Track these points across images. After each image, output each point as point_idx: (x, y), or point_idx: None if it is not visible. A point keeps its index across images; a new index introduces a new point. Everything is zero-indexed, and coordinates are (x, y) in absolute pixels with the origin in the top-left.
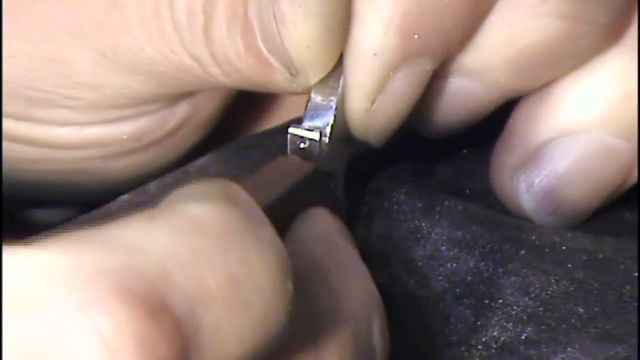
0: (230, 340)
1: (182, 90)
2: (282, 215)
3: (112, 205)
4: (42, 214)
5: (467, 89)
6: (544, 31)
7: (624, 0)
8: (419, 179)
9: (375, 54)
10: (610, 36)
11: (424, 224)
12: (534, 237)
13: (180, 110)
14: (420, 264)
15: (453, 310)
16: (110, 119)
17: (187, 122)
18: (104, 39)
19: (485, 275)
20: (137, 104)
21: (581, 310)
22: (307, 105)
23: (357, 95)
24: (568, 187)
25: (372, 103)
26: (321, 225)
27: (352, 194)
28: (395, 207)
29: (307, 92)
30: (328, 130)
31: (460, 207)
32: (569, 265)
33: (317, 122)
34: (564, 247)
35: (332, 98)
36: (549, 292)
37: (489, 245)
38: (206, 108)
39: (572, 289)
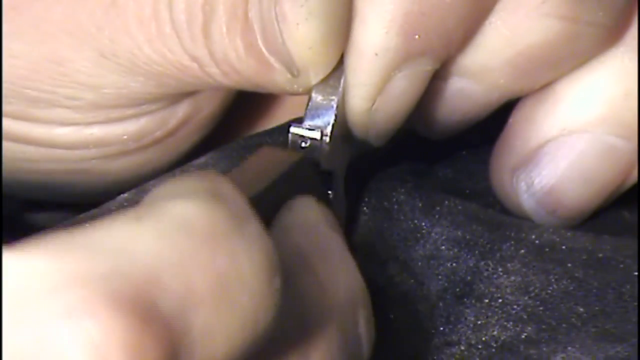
0: (220, 339)
1: (182, 91)
2: (269, 204)
3: (112, 205)
4: (43, 217)
5: (468, 90)
6: (544, 32)
7: (623, 1)
8: (419, 179)
9: (376, 54)
10: (610, 37)
11: (423, 224)
12: (533, 237)
13: (181, 111)
14: (420, 263)
15: (453, 310)
16: (111, 119)
17: (188, 122)
18: (102, 39)
19: (485, 274)
20: (137, 104)
21: (581, 309)
22: (308, 104)
23: (358, 95)
24: (568, 186)
25: (373, 103)
26: (306, 214)
27: (352, 193)
28: (395, 206)
29: (308, 92)
30: (329, 129)
31: (460, 207)
32: (569, 265)
33: (318, 122)
34: (563, 247)
35: (333, 97)
36: (549, 291)
37: (488, 245)
38: (206, 108)
39: (571, 288)
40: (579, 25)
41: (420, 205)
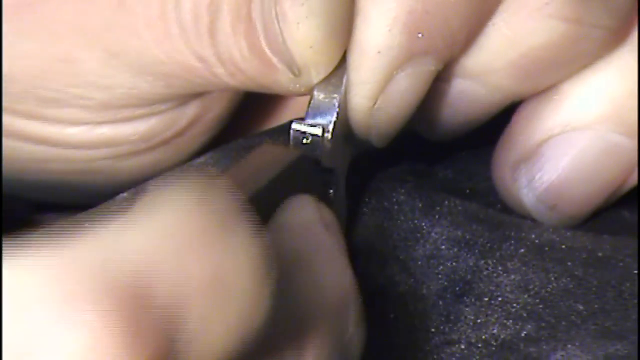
0: (213, 337)
1: (190, 92)
2: (268, 202)
3: (112, 204)
4: (52, 218)
5: (470, 92)
6: (547, 34)
7: (627, 3)
8: (419, 179)
9: (379, 52)
10: (614, 39)
11: (423, 224)
12: (533, 236)
13: (190, 111)
14: (420, 262)
15: (453, 309)
16: (121, 119)
17: (197, 122)
18: (111, 39)
19: (485, 273)
20: (147, 104)
21: (580, 307)
22: (309, 102)
23: (360, 94)
24: (569, 183)
25: (375, 102)
26: (302, 213)
27: (352, 193)
28: (395, 207)
29: (310, 92)
30: (331, 126)
31: (460, 207)
32: (569, 263)
33: (320, 120)
34: (563, 246)
35: (335, 96)
36: (549, 289)
37: (488, 244)
38: (215, 109)
39: (571, 286)
40: (582, 27)
41: (420, 205)
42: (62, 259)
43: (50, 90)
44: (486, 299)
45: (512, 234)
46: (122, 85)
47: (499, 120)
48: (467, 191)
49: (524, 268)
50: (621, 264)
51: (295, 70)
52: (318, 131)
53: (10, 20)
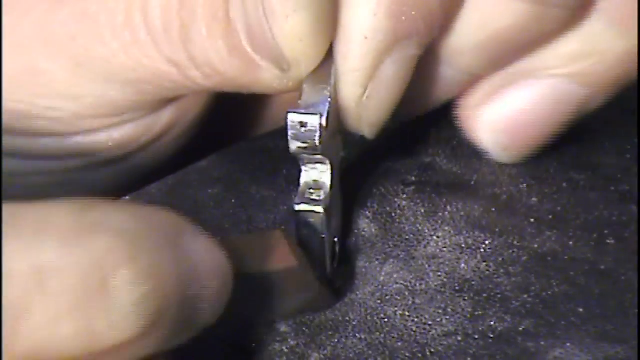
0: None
1: (163, 97)
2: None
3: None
4: None
5: (440, 74)
6: (513, 16)
7: None
8: (423, 174)
9: (366, 38)
10: (573, 17)
11: (425, 229)
12: (536, 246)
13: (165, 116)
14: (421, 262)
15: (451, 302)
16: (94, 128)
17: (173, 126)
18: (77, 49)
19: (486, 274)
20: (120, 112)
21: (581, 310)
22: (300, 95)
23: (350, 82)
24: (524, 125)
25: (365, 90)
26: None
27: (354, 195)
28: (398, 211)
29: (297, 88)
30: (326, 113)
31: (462, 213)
32: (571, 273)
33: (313, 110)
34: (565, 257)
35: (325, 86)
36: (549, 292)
37: (490, 250)
38: (191, 112)
39: (572, 292)
40: (546, 7)
41: (422, 211)
42: None
43: (19, 103)
44: (485, 295)
45: (515, 242)
46: (92, 94)
47: None
48: (472, 183)
49: (525, 273)
50: (623, 277)
51: (284, 65)
52: (315, 118)
53: None
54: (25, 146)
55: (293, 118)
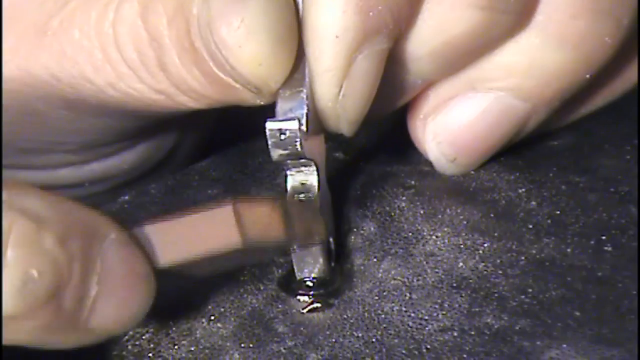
0: None
1: (164, 118)
2: None
3: (113, 206)
4: None
5: (396, 78)
6: (466, 22)
7: None
8: (422, 180)
9: (337, 36)
10: (519, 23)
11: (424, 229)
12: (534, 251)
13: (175, 133)
14: (419, 259)
15: (448, 297)
16: (106, 154)
17: (184, 141)
18: (64, 89)
19: (484, 273)
20: (127, 137)
21: (578, 313)
22: (277, 101)
23: (324, 82)
24: (469, 138)
25: (340, 88)
26: None
27: (352, 196)
28: (397, 212)
29: (275, 98)
30: (304, 119)
31: (461, 217)
32: (569, 279)
33: (292, 115)
34: (563, 263)
35: (300, 89)
36: (547, 295)
37: (489, 252)
38: (201, 124)
39: (569, 296)
40: (495, 13)
41: (422, 212)
42: None
43: (25, 142)
44: (482, 293)
45: (513, 246)
46: (92, 127)
47: None
48: (471, 189)
49: (523, 276)
50: (620, 284)
51: (252, 89)
52: (294, 124)
53: None
54: (43, 179)
55: (271, 126)
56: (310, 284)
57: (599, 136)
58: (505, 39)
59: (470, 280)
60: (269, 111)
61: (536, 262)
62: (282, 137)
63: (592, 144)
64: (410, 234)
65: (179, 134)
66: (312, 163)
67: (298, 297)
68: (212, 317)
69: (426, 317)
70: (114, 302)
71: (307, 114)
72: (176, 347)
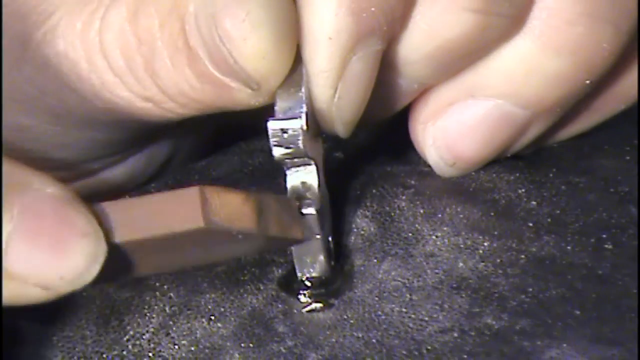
0: None
1: (153, 129)
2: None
3: None
4: None
5: (390, 83)
6: (460, 26)
7: None
8: (422, 180)
9: (330, 38)
10: (513, 26)
11: (424, 228)
12: (534, 249)
13: (168, 144)
14: (419, 259)
15: (448, 298)
16: (96, 169)
17: (178, 151)
18: (49, 101)
19: (485, 273)
20: (116, 151)
21: (577, 312)
22: (276, 102)
23: (320, 84)
24: (468, 144)
25: (335, 90)
26: None
27: (352, 195)
28: (397, 211)
29: (273, 99)
30: (304, 117)
31: (461, 215)
32: (569, 277)
33: (291, 113)
34: (564, 261)
35: (298, 88)
36: (547, 294)
37: (489, 251)
38: (194, 134)
39: (569, 295)
40: (489, 16)
41: (421, 211)
42: None
43: (20, 158)
44: (482, 293)
45: (513, 245)
46: (80, 140)
47: None
48: (471, 190)
49: (523, 275)
50: (620, 282)
51: (253, 85)
52: (296, 123)
53: None
54: None
55: (273, 126)
56: (310, 284)
57: (599, 136)
58: (500, 43)
59: (470, 281)
60: (268, 111)
61: (536, 261)
62: (285, 135)
63: (592, 144)
64: (410, 234)
65: (172, 146)
66: (312, 162)
67: (298, 297)
68: (212, 317)
69: (426, 318)
70: (40, 249)
71: (307, 113)
72: (176, 347)
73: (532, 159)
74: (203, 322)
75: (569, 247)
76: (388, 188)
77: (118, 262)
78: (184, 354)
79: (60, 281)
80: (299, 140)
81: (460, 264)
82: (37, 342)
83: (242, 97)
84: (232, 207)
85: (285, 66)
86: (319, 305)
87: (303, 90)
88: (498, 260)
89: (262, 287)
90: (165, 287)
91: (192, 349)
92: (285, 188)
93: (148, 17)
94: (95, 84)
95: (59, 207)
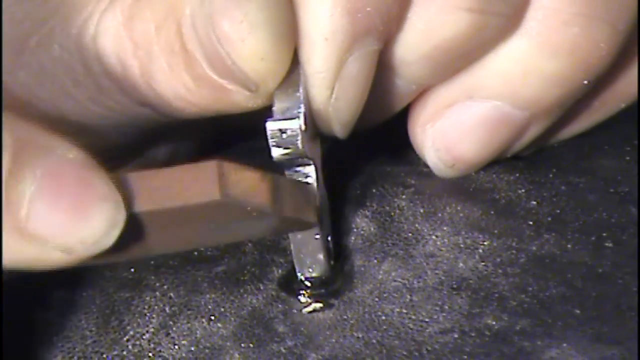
0: None
1: (150, 133)
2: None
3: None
4: None
5: (388, 84)
6: (456, 26)
7: None
8: (422, 180)
9: (326, 39)
10: (509, 25)
11: (424, 228)
12: (534, 248)
13: (164, 151)
14: (419, 260)
15: (448, 299)
16: (112, 158)
17: (175, 155)
18: (46, 106)
19: (485, 273)
20: (111, 158)
21: (577, 311)
22: (274, 103)
23: (317, 84)
24: (467, 145)
25: (332, 90)
26: None
27: (352, 195)
28: (397, 211)
29: (270, 101)
30: (302, 117)
31: (461, 214)
32: (569, 275)
33: (290, 114)
34: (564, 260)
35: (296, 88)
36: (547, 294)
37: (489, 251)
38: (192, 138)
39: (569, 294)
40: (485, 16)
41: (421, 211)
42: None
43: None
44: (482, 294)
45: (514, 244)
46: (83, 144)
47: None
48: (471, 190)
49: (523, 274)
50: (620, 281)
51: (251, 86)
52: (294, 123)
53: None
54: None
55: (272, 126)
56: (310, 284)
57: (599, 136)
58: (497, 44)
59: (470, 281)
60: (267, 112)
61: (536, 259)
62: (284, 135)
63: (592, 144)
64: (410, 234)
65: (170, 149)
66: (311, 163)
67: (298, 297)
68: (212, 317)
69: (426, 319)
70: (61, 210)
71: (305, 113)
72: (176, 347)
73: (532, 159)
74: (203, 322)
75: (569, 245)
76: (388, 188)
77: (133, 235)
78: (184, 354)
79: (80, 245)
80: (297, 140)
81: (460, 264)
82: (37, 341)
83: (240, 100)
84: (248, 184)
85: (284, 67)
86: (319, 305)
87: (301, 90)
88: (498, 260)
89: (262, 287)
90: (165, 287)
91: (192, 349)
92: None
93: (144, 22)
94: (91, 89)
95: (81, 171)
